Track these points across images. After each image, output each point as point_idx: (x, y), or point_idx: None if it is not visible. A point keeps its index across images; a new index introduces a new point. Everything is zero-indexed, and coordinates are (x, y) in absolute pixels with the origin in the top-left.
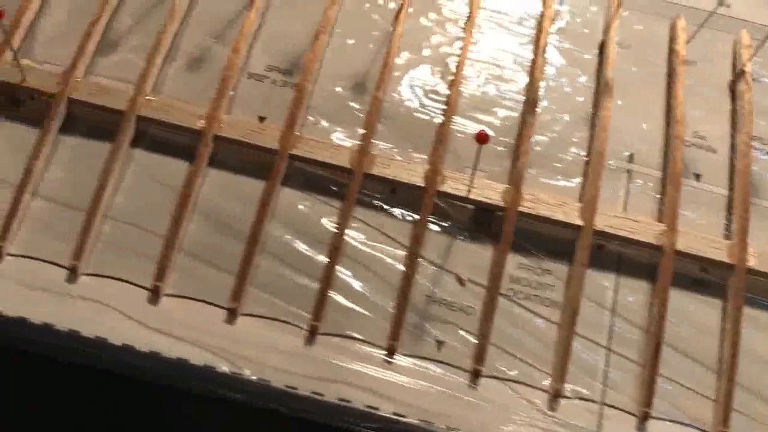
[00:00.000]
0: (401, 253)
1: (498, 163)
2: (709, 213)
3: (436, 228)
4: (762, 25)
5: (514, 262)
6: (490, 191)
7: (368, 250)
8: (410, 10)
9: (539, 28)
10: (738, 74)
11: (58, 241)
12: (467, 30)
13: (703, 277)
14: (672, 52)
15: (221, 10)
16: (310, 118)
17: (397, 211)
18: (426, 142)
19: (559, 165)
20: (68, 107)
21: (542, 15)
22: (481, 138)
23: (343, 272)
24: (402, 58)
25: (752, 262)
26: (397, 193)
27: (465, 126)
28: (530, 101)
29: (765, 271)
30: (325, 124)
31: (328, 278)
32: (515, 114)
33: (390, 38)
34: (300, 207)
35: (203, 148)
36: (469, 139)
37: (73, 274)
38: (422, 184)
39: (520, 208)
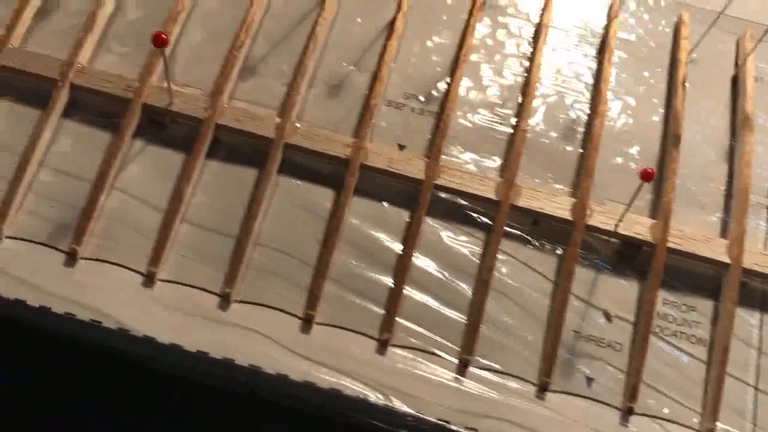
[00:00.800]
0: (547, 286)
1: (639, 196)
2: None
3: (580, 261)
4: None
5: (660, 298)
6: (639, 226)
7: (513, 282)
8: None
9: (673, 59)
10: None
11: (207, 266)
12: (606, 60)
13: None
14: None
15: (357, 36)
16: (451, 147)
17: (541, 244)
18: (567, 173)
19: (698, 199)
20: (214, 132)
21: (676, 46)
22: (647, 176)
23: (489, 304)
24: (540, 87)
25: None
26: (539, 225)
27: (605, 157)
28: (674, 135)
29: None
30: (465, 153)
31: (478, 311)
32: (652, 146)
33: (530, 68)
34: (443, 237)
35: (350, 177)
36: (609, 170)
37: (225, 301)
38: (570, 218)
39: (668, 244)
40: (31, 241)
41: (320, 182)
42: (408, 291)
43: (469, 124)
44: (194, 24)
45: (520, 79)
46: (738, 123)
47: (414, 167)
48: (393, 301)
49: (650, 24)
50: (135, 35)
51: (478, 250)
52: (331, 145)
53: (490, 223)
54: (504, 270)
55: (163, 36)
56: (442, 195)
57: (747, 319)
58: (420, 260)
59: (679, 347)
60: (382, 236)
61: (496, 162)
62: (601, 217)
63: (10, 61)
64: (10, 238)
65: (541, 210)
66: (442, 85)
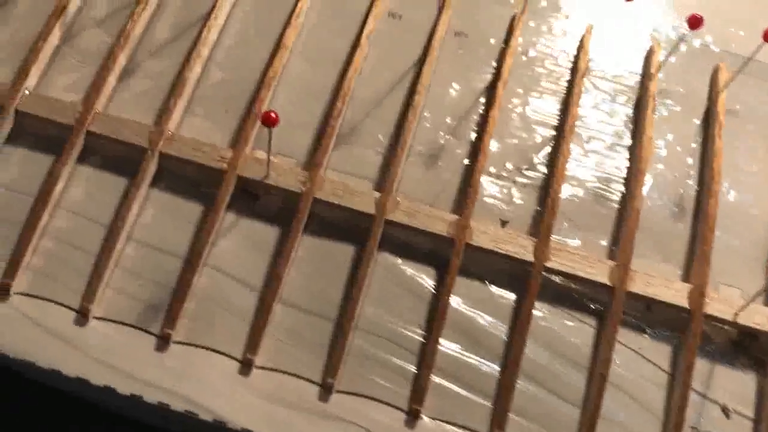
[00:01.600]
0: (663, 377)
1: (755, 282)
2: None
3: (699, 352)
4: None
5: None
6: (759, 316)
7: (627, 374)
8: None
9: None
10: None
11: (306, 352)
12: (717, 133)
13: None
14: None
15: (452, 102)
16: (561, 224)
17: (655, 332)
18: (676, 252)
19: None
20: (312, 206)
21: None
22: None
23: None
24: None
25: None
26: (653, 311)
27: (717, 239)
28: None
29: None
30: (571, 230)
31: (595, 406)
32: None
33: (638, 141)
34: (552, 323)
35: (455, 259)
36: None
37: (326, 391)
38: (687, 306)
39: None
40: (121, 323)
41: (420, 260)
42: (517, 383)
43: (575, 199)
44: (283, 88)
45: (626, 153)
46: None
47: (521, 248)
48: (505, 394)
49: (752, 96)
50: (219, 98)
51: (590, 338)
52: (432, 222)
53: (601, 309)
54: (617, 360)
55: (274, 115)
56: (552, 278)
57: None
58: (528, 348)
59: None
60: (488, 320)
61: (604, 241)
62: (718, 306)
63: (97, 127)
64: (98, 319)
65: (656, 297)
66: (544, 155)
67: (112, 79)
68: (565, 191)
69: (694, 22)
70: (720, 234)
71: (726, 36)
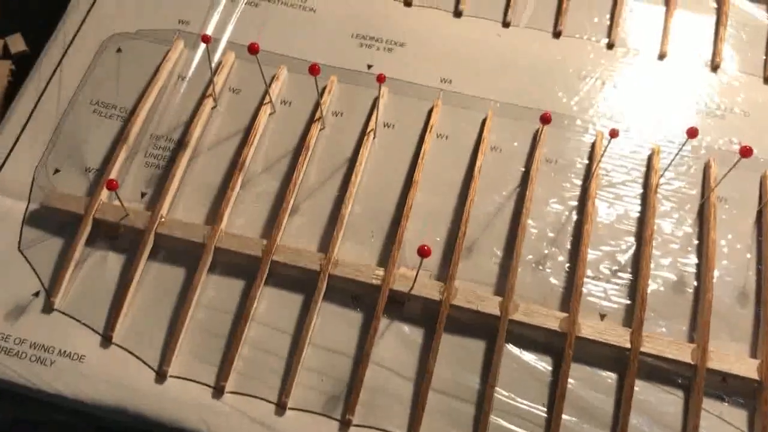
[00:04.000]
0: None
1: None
2: None
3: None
4: None
5: None
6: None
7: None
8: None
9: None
10: None
11: (455, 430)
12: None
13: None
14: None
15: (552, 217)
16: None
17: (732, 399)
18: (743, 332)
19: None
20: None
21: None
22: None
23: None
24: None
25: None
26: (727, 382)
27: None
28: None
29: None
30: (657, 319)
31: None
32: None
33: (705, 243)
34: (649, 397)
35: (568, 350)
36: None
37: None
38: (758, 378)
39: None
40: (310, 411)
41: (539, 351)
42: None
43: (658, 294)
44: (414, 215)
45: (695, 252)
46: None
47: (619, 337)
48: None
49: None
50: (365, 227)
51: (680, 408)
52: (546, 320)
53: (687, 383)
54: (703, 424)
55: (426, 248)
56: (645, 359)
57: None
58: (633, 419)
59: None
60: (598, 397)
61: (685, 327)
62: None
63: (279, 256)
64: (292, 409)
65: (730, 371)
66: (630, 258)
67: (284, 217)
68: (650, 287)
69: (692, 133)
70: None
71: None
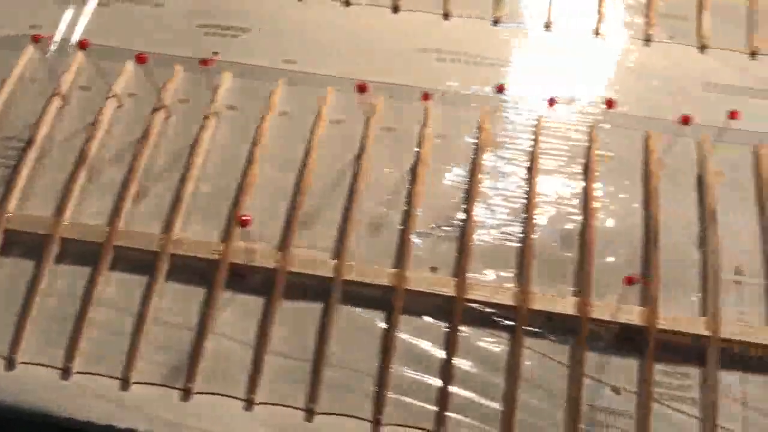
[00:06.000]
0: (565, 371)
1: (630, 288)
2: None
3: (589, 347)
4: None
5: (657, 370)
6: (632, 314)
7: (538, 371)
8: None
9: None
10: None
11: (293, 388)
12: (589, 178)
13: None
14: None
15: (387, 182)
16: (474, 264)
17: (556, 336)
18: (569, 274)
19: (681, 283)
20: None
21: (649, 158)
22: (630, 281)
23: (522, 393)
24: (541, 206)
25: None
26: (553, 320)
27: (599, 258)
28: (652, 234)
29: None
30: (485, 268)
31: (512, 399)
32: (636, 246)
33: (530, 191)
34: (476, 341)
35: (398, 302)
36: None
37: (310, 414)
38: (576, 314)
39: (658, 326)
40: (154, 384)
41: (373, 306)
42: (454, 389)
43: (485, 243)
44: (259, 191)
45: (523, 201)
46: (706, 215)
47: (447, 287)
48: (443, 400)
49: (624, 140)
50: (211, 206)
51: (506, 348)
52: (378, 276)
53: (513, 324)
54: (528, 363)
55: (244, 218)
56: (472, 306)
57: (730, 379)
58: (459, 362)
59: (677, 409)
60: (427, 345)
61: (512, 273)
62: (600, 311)
63: (122, 241)
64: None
65: (553, 310)
66: (461, 214)
67: (125, 203)
68: (476, 238)
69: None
70: (599, 255)
71: None
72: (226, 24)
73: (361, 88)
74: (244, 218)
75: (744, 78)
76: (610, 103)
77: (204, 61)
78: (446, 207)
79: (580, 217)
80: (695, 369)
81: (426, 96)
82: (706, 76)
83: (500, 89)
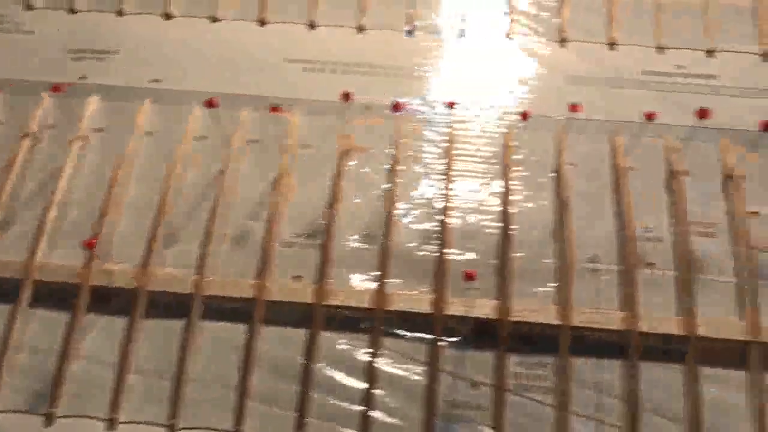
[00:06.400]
0: (422, 368)
1: (489, 282)
2: (665, 294)
3: (447, 344)
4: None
5: (513, 362)
6: (486, 308)
7: (396, 371)
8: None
9: (505, 164)
10: (671, 173)
11: (156, 404)
12: (448, 176)
13: (668, 347)
14: (615, 163)
15: (254, 194)
16: (338, 269)
17: (414, 335)
18: (429, 274)
19: (537, 275)
20: (148, 297)
21: (505, 153)
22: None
23: (378, 393)
24: (400, 207)
25: (702, 331)
26: (410, 320)
27: (458, 255)
28: (506, 227)
29: (713, 337)
30: (349, 273)
31: (368, 400)
32: (491, 245)
33: (389, 194)
34: (338, 345)
35: (257, 313)
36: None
37: (171, 429)
38: (431, 311)
39: (511, 318)
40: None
41: (236, 319)
42: (315, 395)
43: (349, 249)
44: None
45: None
46: (561, 206)
47: (306, 294)
48: (303, 406)
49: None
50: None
51: (365, 350)
52: (238, 289)
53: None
54: (387, 361)
55: (90, 242)
56: (334, 311)
57: (585, 365)
58: (320, 367)
59: (532, 399)
60: (290, 353)
61: (374, 275)
62: (455, 306)
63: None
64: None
65: (408, 309)
66: (324, 221)
67: None
68: (339, 244)
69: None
70: (459, 252)
71: None
72: (94, 48)
73: (210, 104)
74: (90, 242)
75: (601, 69)
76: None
77: (56, 87)
78: (310, 215)
79: (440, 217)
80: (550, 358)
81: (275, 108)
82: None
83: (397, 107)
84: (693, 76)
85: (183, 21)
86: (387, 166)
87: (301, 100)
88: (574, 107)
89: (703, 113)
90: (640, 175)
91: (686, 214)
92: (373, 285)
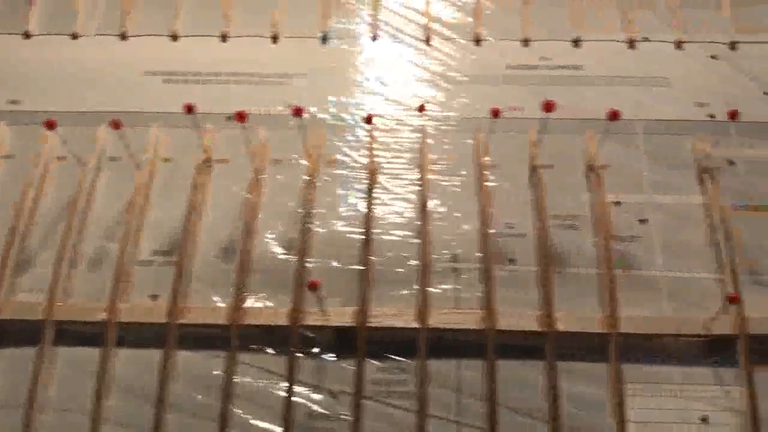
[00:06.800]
0: (283, 383)
1: (350, 289)
2: (526, 290)
3: (307, 355)
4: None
5: (373, 368)
6: (345, 316)
7: (256, 386)
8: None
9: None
10: (532, 168)
11: None
12: (310, 185)
13: (527, 344)
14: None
15: (108, 213)
16: (194, 286)
17: (274, 349)
18: (290, 284)
19: (397, 278)
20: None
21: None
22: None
23: (236, 410)
24: (262, 219)
25: (560, 327)
26: (272, 333)
27: (318, 265)
28: (367, 232)
29: (572, 331)
30: (206, 289)
31: (224, 417)
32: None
33: (248, 206)
34: (196, 364)
35: (110, 335)
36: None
37: None
38: (288, 323)
39: (369, 324)
40: None
41: (89, 343)
42: (172, 416)
43: (208, 264)
44: None
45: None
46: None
47: (160, 314)
48: (158, 429)
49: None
50: None
51: (223, 367)
52: (92, 312)
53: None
54: (247, 378)
55: None
56: (189, 329)
57: (443, 367)
58: (178, 386)
59: (393, 404)
60: (146, 375)
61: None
62: (313, 317)
63: None
64: None
65: (266, 323)
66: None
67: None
68: (199, 260)
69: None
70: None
71: None
72: None
73: (49, 125)
74: None
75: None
76: (298, 111)
77: None
78: (168, 232)
79: (301, 226)
80: (411, 362)
81: (115, 123)
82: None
83: (298, 111)
84: (558, 67)
85: (42, 39)
86: (248, 177)
87: (160, 113)
88: (421, 108)
89: (548, 106)
90: (503, 171)
91: (546, 208)
92: (231, 300)
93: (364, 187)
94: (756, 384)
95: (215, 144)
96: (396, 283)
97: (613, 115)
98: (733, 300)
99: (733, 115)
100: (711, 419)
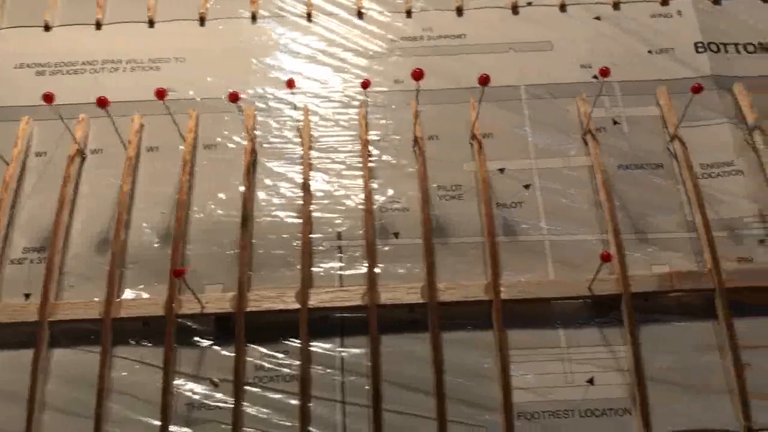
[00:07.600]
0: (160, 375)
1: (231, 274)
2: (411, 262)
3: (187, 345)
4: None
5: (257, 353)
6: (223, 302)
7: (134, 379)
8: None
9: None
10: (414, 140)
11: None
12: (183, 172)
13: (412, 317)
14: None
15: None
16: (68, 281)
17: (153, 341)
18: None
19: (281, 260)
20: None
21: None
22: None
23: (114, 405)
24: (137, 208)
25: (443, 297)
26: (150, 325)
27: (197, 251)
28: (244, 219)
29: (450, 301)
30: (81, 284)
31: (98, 413)
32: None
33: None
34: (71, 361)
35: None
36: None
37: None
38: (163, 313)
39: (248, 309)
40: None
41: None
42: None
43: (82, 259)
44: None
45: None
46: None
47: (33, 312)
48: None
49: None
50: None
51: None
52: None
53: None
54: (124, 373)
55: None
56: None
57: (329, 347)
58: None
59: (277, 389)
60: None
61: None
62: (189, 305)
63: None
64: None
65: (143, 315)
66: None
67: None
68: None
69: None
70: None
71: None
72: None
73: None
74: None
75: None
76: (161, 93)
77: None
78: (42, 227)
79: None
80: (295, 344)
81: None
82: None
83: (161, 93)
84: (441, 37)
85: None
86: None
87: (33, 107)
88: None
89: (417, 74)
90: (388, 144)
91: (428, 180)
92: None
93: (243, 169)
94: (641, 342)
95: (89, 134)
96: (279, 265)
97: (483, 80)
98: (606, 258)
99: (605, 73)
100: (597, 380)
